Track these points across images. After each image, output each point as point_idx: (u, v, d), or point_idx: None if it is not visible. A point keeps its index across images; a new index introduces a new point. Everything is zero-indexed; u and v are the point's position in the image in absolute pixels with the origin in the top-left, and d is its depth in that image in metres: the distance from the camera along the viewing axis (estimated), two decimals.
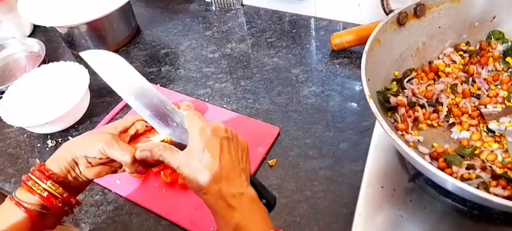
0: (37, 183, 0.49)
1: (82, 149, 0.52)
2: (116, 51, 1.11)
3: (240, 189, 0.46)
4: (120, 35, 1.12)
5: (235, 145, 0.49)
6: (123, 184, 0.77)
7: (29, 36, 1.23)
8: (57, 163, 0.52)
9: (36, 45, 1.13)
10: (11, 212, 0.49)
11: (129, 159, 0.51)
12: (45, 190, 0.50)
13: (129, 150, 0.52)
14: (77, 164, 0.53)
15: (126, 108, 0.93)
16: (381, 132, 0.72)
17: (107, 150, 0.51)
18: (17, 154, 0.89)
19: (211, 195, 0.46)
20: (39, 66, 1.00)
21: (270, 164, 0.76)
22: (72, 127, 0.92)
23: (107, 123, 0.90)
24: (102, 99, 0.98)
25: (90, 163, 0.53)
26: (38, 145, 0.90)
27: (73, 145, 0.53)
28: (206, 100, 0.92)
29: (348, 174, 0.72)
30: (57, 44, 1.19)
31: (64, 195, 0.51)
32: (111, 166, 0.55)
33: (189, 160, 0.47)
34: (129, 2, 1.06)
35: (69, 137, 0.90)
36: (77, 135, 0.89)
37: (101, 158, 0.52)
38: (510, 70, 0.72)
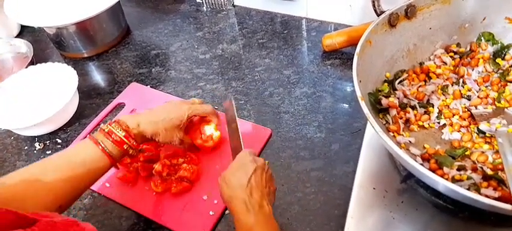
0: (123, 139, 0.64)
1: (173, 119, 0.70)
2: (105, 52, 1.10)
3: (259, 202, 0.57)
4: (110, 35, 1.10)
5: (266, 176, 0.61)
6: (113, 188, 0.76)
7: (16, 36, 1.21)
8: (138, 130, 0.67)
9: (24, 46, 1.10)
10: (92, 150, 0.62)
11: (211, 108, 0.76)
12: (127, 144, 0.64)
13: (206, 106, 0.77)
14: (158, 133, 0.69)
15: (116, 109, 0.92)
16: (373, 133, 0.72)
17: (193, 110, 0.73)
18: (3, 157, 0.87)
19: (235, 199, 0.57)
20: (26, 67, 0.98)
21: None
22: (60, 129, 0.90)
23: (97, 125, 0.89)
24: (91, 100, 0.96)
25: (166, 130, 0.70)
26: (25, 147, 0.88)
27: (161, 118, 0.69)
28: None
29: (340, 175, 0.72)
30: (45, 45, 1.17)
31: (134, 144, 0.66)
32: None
33: (231, 169, 0.61)
34: (118, 2, 1.05)
35: (57, 139, 0.88)
36: (65, 137, 0.88)
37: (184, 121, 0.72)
38: (500, 71, 0.73)
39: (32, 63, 1.03)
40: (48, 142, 0.88)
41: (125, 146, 0.64)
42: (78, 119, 0.92)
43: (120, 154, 0.64)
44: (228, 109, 0.75)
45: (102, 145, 0.62)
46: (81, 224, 0.49)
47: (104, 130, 0.64)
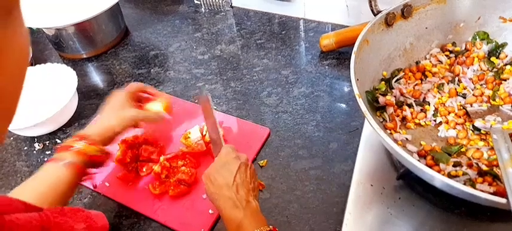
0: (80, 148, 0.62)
1: (123, 123, 0.69)
2: (104, 53, 1.11)
3: (246, 199, 0.58)
4: (109, 36, 1.11)
5: (250, 172, 0.62)
6: (113, 187, 0.76)
7: None
8: (98, 137, 0.66)
9: None
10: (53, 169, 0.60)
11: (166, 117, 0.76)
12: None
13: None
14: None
15: None
16: (370, 132, 0.73)
17: (144, 118, 0.73)
18: (3, 157, 0.87)
19: (222, 197, 0.58)
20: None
21: (261, 164, 0.76)
22: (59, 129, 0.90)
23: None
24: (90, 100, 0.97)
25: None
26: (25, 148, 0.88)
27: (115, 123, 0.68)
28: (196, 101, 0.92)
29: (338, 173, 0.73)
30: (44, 46, 1.17)
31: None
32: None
33: (215, 166, 0.62)
34: (117, 3, 1.06)
35: (56, 140, 0.88)
36: (64, 138, 0.89)
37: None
38: (495, 69, 0.74)
39: (31, 64, 1.04)
40: (47, 142, 0.88)
41: (78, 145, 0.62)
42: (78, 119, 0.92)
43: (81, 159, 0.62)
44: (204, 104, 0.75)
45: (62, 159, 0.61)
46: (86, 210, 0.50)
47: (58, 148, 0.64)
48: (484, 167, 0.59)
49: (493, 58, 0.75)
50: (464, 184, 0.56)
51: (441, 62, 0.77)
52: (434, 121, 0.70)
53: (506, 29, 0.75)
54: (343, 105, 0.86)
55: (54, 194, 0.58)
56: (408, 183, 0.64)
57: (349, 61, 0.64)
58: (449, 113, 0.70)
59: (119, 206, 0.74)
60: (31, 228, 0.40)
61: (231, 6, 1.20)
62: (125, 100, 0.72)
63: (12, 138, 0.91)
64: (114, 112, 0.70)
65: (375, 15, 0.71)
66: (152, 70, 1.03)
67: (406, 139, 0.67)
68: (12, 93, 0.28)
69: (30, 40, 0.30)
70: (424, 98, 0.72)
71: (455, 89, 0.73)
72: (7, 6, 0.25)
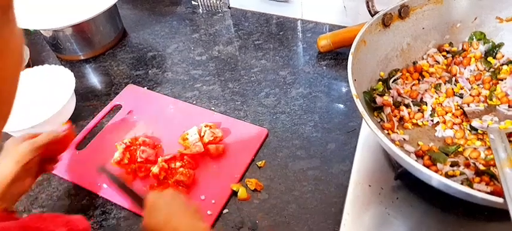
0: None
1: (17, 161, 0.61)
2: (102, 54, 1.11)
3: (192, 221, 0.55)
4: (107, 37, 1.11)
5: (181, 200, 0.59)
6: (110, 188, 0.76)
7: None
8: None
9: None
10: None
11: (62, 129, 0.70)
12: None
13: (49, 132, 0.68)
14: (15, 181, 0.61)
15: (112, 111, 0.93)
16: (368, 132, 0.73)
17: (37, 142, 0.65)
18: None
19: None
20: (23, 70, 0.98)
21: (259, 165, 0.76)
22: None
23: (94, 127, 0.89)
24: (88, 102, 0.97)
25: (26, 171, 0.63)
26: None
27: (9, 167, 0.60)
28: (194, 102, 0.92)
29: (336, 174, 0.73)
30: (41, 47, 1.17)
31: None
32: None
33: (148, 215, 0.57)
34: (115, 4, 1.05)
35: None
36: None
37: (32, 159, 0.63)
38: (492, 69, 0.74)
39: (28, 66, 1.03)
40: None
41: None
42: (75, 121, 0.92)
43: None
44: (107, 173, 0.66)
45: None
46: (66, 215, 0.50)
47: None
48: (481, 167, 0.60)
49: (489, 58, 0.75)
50: (462, 184, 0.56)
51: (438, 62, 0.77)
52: (432, 121, 0.70)
53: (502, 29, 0.75)
54: (341, 106, 0.86)
55: None
56: (406, 183, 0.64)
57: (347, 61, 0.64)
58: (446, 113, 0.70)
59: (117, 207, 0.74)
60: None
61: (229, 7, 1.20)
62: (18, 142, 0.65)
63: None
64: (7, 155, 0.62)
65: (372, 15, 0.71)
66: (150, 71, 1.03)
67: (404, 139, 0.67)
68: (9, 94, 0.28)
69: (24, 40, 0.30)
70: (421, 98, 0.73)
71: (453, 89, 0.73)
72: (3, 6, 0.25)
